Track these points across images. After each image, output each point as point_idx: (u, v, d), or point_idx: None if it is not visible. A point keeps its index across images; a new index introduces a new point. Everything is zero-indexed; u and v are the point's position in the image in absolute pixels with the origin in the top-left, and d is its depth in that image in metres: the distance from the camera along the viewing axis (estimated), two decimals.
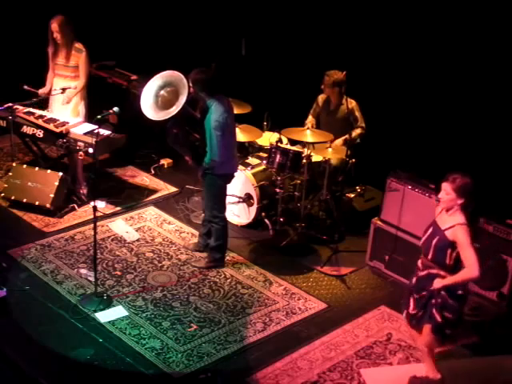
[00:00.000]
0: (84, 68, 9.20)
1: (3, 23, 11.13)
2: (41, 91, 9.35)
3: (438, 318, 6.16)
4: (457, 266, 6.07)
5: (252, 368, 6.80)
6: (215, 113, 7.57)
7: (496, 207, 7.71)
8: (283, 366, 6.83)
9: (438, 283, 6.10)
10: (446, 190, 6.03)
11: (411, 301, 6.37)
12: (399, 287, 8.00)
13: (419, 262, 6.32)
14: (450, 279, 6.06)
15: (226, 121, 7.63)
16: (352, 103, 8.80)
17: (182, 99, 7.63)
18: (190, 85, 7.66)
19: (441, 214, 6.19)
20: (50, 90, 9.34)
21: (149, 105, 7.81)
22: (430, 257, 6.15)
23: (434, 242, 6.10)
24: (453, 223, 6.01)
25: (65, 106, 9.27)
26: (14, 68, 10.87)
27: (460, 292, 6.13)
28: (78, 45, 9.13)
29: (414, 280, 6.37)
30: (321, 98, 9.07)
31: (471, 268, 5.92)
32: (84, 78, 9.23)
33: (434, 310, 6.17)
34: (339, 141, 8.80)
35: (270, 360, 6.89)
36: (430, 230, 6.21)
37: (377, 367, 6.90)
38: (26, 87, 9.20)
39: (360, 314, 7.63)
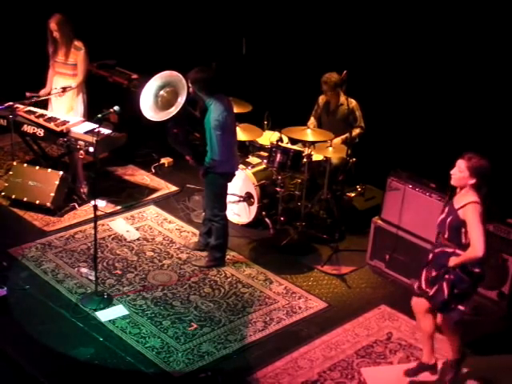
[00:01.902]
0: (82, 65, 9.19)
1: (4, 22, 11.11)
2: (42, 92, 9.36)
3: (445, 294, 6.14)
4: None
5: (252, 367, 6.80)
6: (215, 112, 7.56)
7: (496, 206, 7.70)
8: (283, 365, 6.83)
9: (451, 261, 6.07)
10: (460, 167, 6.00)
11: (423, 275, 6.34)
12: (400, 286, 8.03)
13: (435, 240, 6.32)
14: (459, 258, 6.04)
15: (226, 120, 7.62)
16: (352, 103, 8.80)
17: (182, 99, 7.63)
18: (189, 84, 7.66)
19: (459, 193, 6.15)
20: (51, 90, 9.33)
21: (148, 106, 7.82)
22: (446, 236, 6.13)
23: (448, 221, 6.08)
24: (465, 202, 5.98)
25: (60, 100, 9.25)
26: (14, 67, 10.86)
27: (477, 270, 6.09)
28: (77, 43, 9.13)
29: (430, 256, 6.35)
30: (321, 99, 9.09)
31: (475, 248, 5.89)
32: (82, 75, 9.22)
33: (444, 285, 6.14)
34: (338, 140, 8.80)
35: (271, 359, 6.89)
36: (446, 209, 6.18)
37: (377, 366, 6.90)
38: (28, 94, 9.20)
39: (360, 313, 7.62)
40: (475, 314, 7.56)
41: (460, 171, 6.02)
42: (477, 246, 5.89)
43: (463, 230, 6.02)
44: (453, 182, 6.13)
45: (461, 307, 6.22)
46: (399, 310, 7.64)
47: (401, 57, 9.18)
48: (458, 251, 6.09)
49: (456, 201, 6.12)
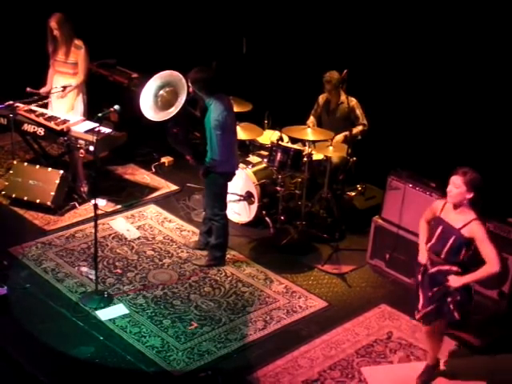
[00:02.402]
0: (83, 64, 9.19)
1: (4, 22, 11.11)
2: (42, 90, 9.36)
3: (457, 316, 6.16)
4: (470, 261, 6.03)
5: (252, 366, 6.80)
6: (215, 112, 7.56)
7: (496, 205, 7.70)
8: (284, 365, 6.83)
9: (456, 282, 6.04)
10: (456, 183, 5.94)
11: (421, 298, 6.33)
12: (400, 286, 8.03)
13: (426, 260, 6.27)
14: (470, 277, 6.02)
15: (226, 120, 7.62)
16: (352, 101, 8.80)
17: (182, 99, 7.63)
18: (189, 84, 7.65)
19: (444, 210, 6.12)
20: (52, 89, 9.33)
21: (148, 106, 7.82)
22: (443, 256, 6.09)
23: (451, 241, 6.01)
24: (467, 220, 5.95)
25: (61, 100, 9.25)
26: (14, 66, 10.85)
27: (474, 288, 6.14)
28: (77, 41, 9.12)
29: (419, 277, 6.34)
30: (321, 98, 9.09)
31: (492, 263, 5.88)
32: (82, 74, 9.22)
33: (451, 307, 6.14)
34: (339, 137, 8.81)
35: (271, 358, 6.89)
36: (440, 228, 6.12)
37: (378, 365, 6.90)
38: (28, 90, 9.19)
39: (361, 313, 7.63)
40: (475, 313, 7.57)
41: (456, 187, 5.95)
42: (493, 262, 5.89)
43: (464, 248, 6.00)
44: (450, 200, 6.05)
45: (456, 315, 6.25)
46: (399, 309, 7.64)
47: (401, 56, 9.17)
48: (454, 268, 6.08)
49: (453, 220, 6.06)
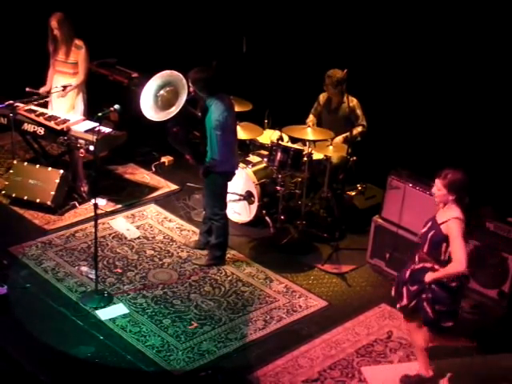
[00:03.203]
0: (83, 64, 9.19)
1: (5, 21, 11.10)
2: (42, 90, 9.36)
3: (430, 313, 6.17)
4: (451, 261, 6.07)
5: (253, 366, 6.80)
6: (215, 112, 7.55)
7: (497, 205, 7.71)
8: (284, 364, 6.83)
9: (428, 277, 6.12)
10: (437, 186, 6.08)
11: (404, 292, 6.35)
12: None
13: (416, 256, 6.33)
14: (438, 273, 6.08)
15: (227, 120, 7.61)
16: (353, 101, 8.80)
17: (182, 99, 7.62)
18: (190, 84, 7.65)
19: (441, 207, 6.20)
20: (51, 88, 9.33)
21: (149, 105, 7.80)
22: (425, 250, 6.18)
23: (430, 235, 6.12)
24: (448, 217, 6.03)
25: (61, 99, 9.25)
26: (14, 66, 10.84)
27: (454, 284, 6.11)
28: (77, 41, 9.13)
29: (407, 273, 6.35)
30: (322, 96, 9.07)
31: (457, 262, 5.94)
32: (83, 74, 9.22)
33: (424, 304, 6.18)
34: (339, 138, 8.80)
35: (271, 358, 6.89)
36: (429, 223, 6.22)
37: (378, 365, 6.90)
38: (28, 89, 9.19)
39: (361, 312, 7.63)
40: (475, 312, 7.57)
41: (438, 189, 6.09)
42: (459, 261, 5.94)
43: (444, 245, 6.05)
44: (436, 201, 6.19)
45: (449, 323, 6.25)
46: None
47: (401, 56, 9.17)
48: (436, 267, 6.11)
49: (439, 216, 6.16)
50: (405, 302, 6.35)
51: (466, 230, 6.04)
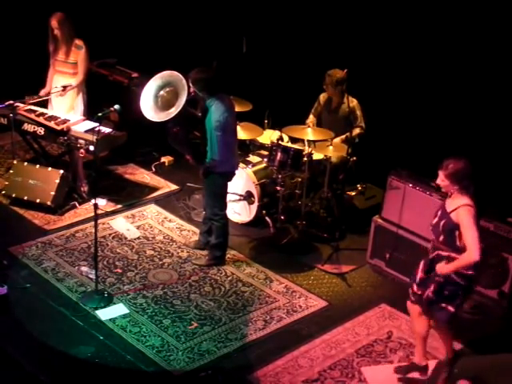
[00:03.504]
0: (83, 64, 9.18)
1: (5, 21, 11.10)
2: (42, 92, 9.35)
3: (431, 292, 6.21)
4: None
5: (253, 366, 6.80)
6: (216, 113, 7.55)
7: (497, 205, 7.71)
8: (284, 364, 6.83)
9: (440, 269, 6.12)
10: (441, 177, 6.11)
11: (417, 278, 6.38)
12: (400, 285, 7.98)
13: (430, 245, 6.36)
14: (451, 265, 6.07)
15: (227, 120, 7.61)
16: (353, 102, 8.79)
17: (182, 100, 7.61)
18: (190, 85, 7.64)
19: (450, 196, 6.22)
20: (51, 89, 9.31)
21: (149, 106, 7.80)
22: (441, 239, 6.16)
23: (442, 224, 6.12)
24: (457, 205, 6.04)
25: (60, 99, 9.25)
26: (14, 66, 10.84)
27: (470, 272, 6.11)
28: (78, 41, 9.12)
29: (423, 262, 6.38)
30: (322, 96, 9.07)
31: (471, 251, 5.94)
32: (82, 74, 9.21)
33: (432, 285, 6.21)
34: (338, 139, 8.78)
35: (271, 358, 6.89)
36: (439, 212, 6.23)
37: (377, 365, 6.89)
38: (30, 102, 9.16)
39: (361, 312, 7.63)
40: (476, 312, 7.57)
41: (442, 180, 6.13)
42: (472, 250, 5.94)
43: (457, 232, 6.06)
44: (443, 190, 6.27)
45: (450, 308, 6.24)
46: (399, 308, 7.60)
47: (401, 56, 9.17)
48: (453, 254, 6.11)
49: (448, 204, 6.17)
50: (415, 288, 6.38)
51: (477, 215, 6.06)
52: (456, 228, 6.04)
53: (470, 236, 5.96)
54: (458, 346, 6.98)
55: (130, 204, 9.33)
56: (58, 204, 8.96)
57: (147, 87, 7.83)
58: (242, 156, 8.86)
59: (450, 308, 6.23)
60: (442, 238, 6.17)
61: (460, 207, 6.02)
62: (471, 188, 6.10)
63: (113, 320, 7.26)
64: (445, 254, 6.15)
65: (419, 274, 6.38)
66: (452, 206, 6.09)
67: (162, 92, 7.84)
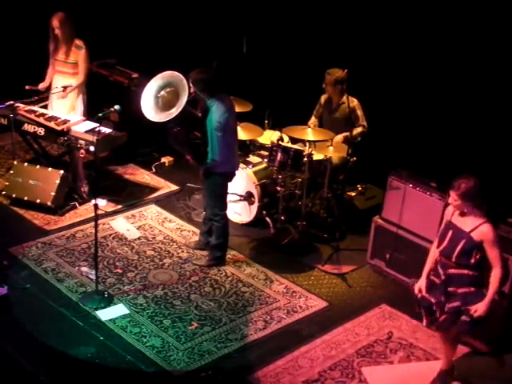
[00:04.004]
0: (83, 65, 9.19)
1: (4, 21, 11.11)
2: (41, 86, 9.34)
3: (454, 309, 6.20)
4: (480, 263, 6.09)
5: (253, 366, 6.80)
6: (216, 113, 7.55)
7: (497, 206, 7.69)
8: (284, 365, 6.82)
9: (482, 309, 6.08)
10: (453, 197, 6.07)
11: (435, 306, 6.34)
12: (400, 285, 8.02)
13: (438, 265, 6.29)
14: (488, 299, 6.07)
15: (227, 121, 7.61)
16: (353, 102, 8.78)
17: (183, 100, 7.60)
18: (190, 85, 7.64)
19: (455, 214, 6.18)
20: (50, 85, 9.34)
21: (149, 106, 7.79)
22: (453, 260, 6.12)
23: (461, 244, 6.06)
24: (477, 223, 6.03)
25: (61, 100, 9.26)
26: (14, 66, 10.83)
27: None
28: (78, 41, 9.12)
29: (424, 284, 6.36)
30: (323, 97, 9.07)
31: (497, 269, 6.01)
32: (83, 75, 9.22)
33: (463, 318, 6.18)
34: (339, 137, 8.78)
35: (271, 358, 6.88)
36: (450, 233, 6.18)
37: (378, 366, 6.89)
38: (27, 87, 9.18)
39: (361, 313, 7.62)
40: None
41: (454, 200, 6.08)
42: (498, 267, 6.01)
43: (474, 252, 6.04)
44: (456, 209, 6.19)
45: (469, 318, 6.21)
46: (400, 309, 7.64)
47: (402, 56, 9.17)
48: (465, 271, 6.10)
49: (461, 223, 6.13)
50: (442, 318, 6.32)
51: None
52: (476, 247, 6.02)
53: (495, 253, 6.00)
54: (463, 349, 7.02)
55: (130, 204, 9.33)
56: (58, 204, 8.95)
57: (148, 87, 7.82)
58: (242, 156, 8.86)
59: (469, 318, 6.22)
60: (455, 258, 6.11)
61: (481, 225, 6.01)
62: (484, 205, 6.09)
63: (113, 320, 7.25)
64: (458, 272, 6.13)
65: (433, 300, 6.33)
66: (470, 226, 6.05)
67: (162, 92, 7.83)
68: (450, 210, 6.26)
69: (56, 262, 8.08)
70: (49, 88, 9.36)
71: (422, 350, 7.10)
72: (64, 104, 9.27)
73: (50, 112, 9.21)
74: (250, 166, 8.87)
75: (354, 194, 9.28)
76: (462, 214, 6.12)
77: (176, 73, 7.76)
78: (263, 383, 6.61)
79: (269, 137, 9.05)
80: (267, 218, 8.89)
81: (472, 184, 6.01)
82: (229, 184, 8.05)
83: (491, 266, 6.06)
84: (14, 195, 9.01)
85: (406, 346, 7.17)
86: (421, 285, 6.40)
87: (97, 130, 7.63)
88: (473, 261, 6.06)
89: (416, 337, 7.27)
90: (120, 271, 8.02)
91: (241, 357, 6.93)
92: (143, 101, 7.78)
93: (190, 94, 7.67)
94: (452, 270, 6.17)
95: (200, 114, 7.77)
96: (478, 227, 6.03)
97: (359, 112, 8.87)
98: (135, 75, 10.43)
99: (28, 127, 9.04)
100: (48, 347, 6.82)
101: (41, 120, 8.95)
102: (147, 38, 11.28)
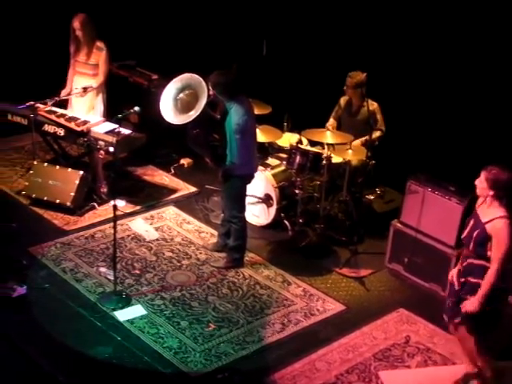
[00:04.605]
0: (104, 66, 9.23)
1: (26, 21, 11.17)
2: (63, 93, 9.37)
3: (456, 286, 6.20)
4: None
5: (270, 368, 6.79)
6: (235, 116, 7.54)
7: None
8: (301, 367, 6.81)
9: (470, 306, 6.06)
10: (481, 178, 6.04)
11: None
12: (418, 290, 8.01)
13: (462, 253, 6.30)
14: (480, 293, 6.01)
15: (247, 123, 7.60)
16: (374, 105, 8.78)
17: (202, 103, 7.61)
18: (210, 87, 7.64)
19: (482, 205, 6.14)
20: (71, 90, 9.36)
21: (168, 108, 7.80)
22: (471, 248, 6.10)
23: (475, 234, 6.05)
24: (493, 216, 5.98)
25: (80, 100, 9.30)
26: (35, 66, 10.87)
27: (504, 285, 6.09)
28: (99, 43, 9.17)
29: (456, 271, 6.34)
30: (343, 99, 9.05)
31: (492, 271, 5.93)
32: (103, 76, 9.26)
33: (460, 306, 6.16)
34: (357, 142, 8.77)
35: (288, 361, 6.87)
36: (472, 221, 6.16)
37: (395, 370, 6.86)
38: (51, 104, 9.17)
39: (378, 316, 7.59)
40: None
41: (480, 182, 6.05)
42: (494, 268, 5.94)
43: (489, 244, 5.99)
44: (477, 192, 6.15)
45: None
46: (417, 313, 7.61)
47: (423, 59, 9.15)
48: (486, 264, 6.04)
49: (482, 214, 6.09)
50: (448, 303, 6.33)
51: None
52: (489, 239, 5.98)
53: (500, 252, 5.92)
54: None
55: (148, 205, 9.34)
56: (77, 205, 8.98)
57: (166, 90, 7.83)
58: (260, 159, 8.85)
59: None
60: (472, 247, 6.09)
61: (496, 219, 5.95)
62: (505, 200, 6.01)
63: (131, 321, 7.26)
64: (477, 262, 6.08)
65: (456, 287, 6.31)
66: (487, 217, 6.01)
67: (181, 95, 7.84)
68: (479, 200, 6.21)
69: (75, 262, 8.10)
70: (70, 93, 9.37)
71: (440, 354, 7.06)
72: (83, 104, 9.31)
73: (69, 112, 9.24)
74: (269, 169, 8.86)
75: (372, 197, 9.27)
76: (488, 205, 6.05)
77: (195, 75, 7.77)
78: None
79: (288, 139, 9.05)
80: (285, 221, 8.88)
81: (504, 175, 5.96)
82: (247, 186, 8.04)
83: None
84: (33, 195, 9.04)
85: (424, 350, 7.13)
86: (453, 271, 6.39)
87: (116, 131, 7.66)
88: (489, 253, 6.01)
89: (434, 341, 7.23)
90: (138, 272, 8.03)
91: (258, 359, 6.92)
92: (162, 103, 7.80)
93: (208, 96, 7.67)
94: (470, 260, 6.15)
95: (219, 116, 7.79)
96: (493, 220, 5.96)
97: (379, 116, 8.85)
98: (155, 77, 10.45)
99: (48, 128, 9.07)
100: (66, 347, 6.82)
101: (61, 121, 8.98)
102: (167, 39, 11.29)
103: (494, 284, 5.98)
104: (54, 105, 9.20)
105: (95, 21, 9.17)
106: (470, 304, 6.07)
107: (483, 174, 6.02)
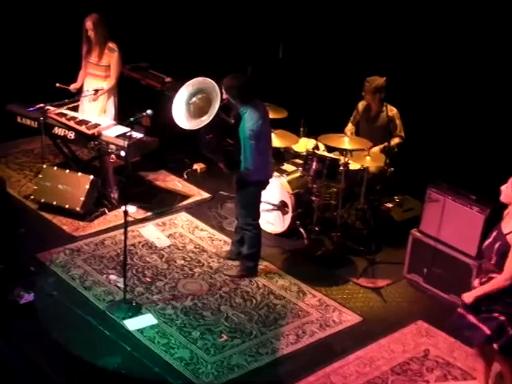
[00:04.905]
0: (115, 68, 9.16)
1: (36, 22, 11.15)
2: (72, 86, 9.32)
3: (487, 331, 5.97)
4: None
5: (284, 381, 6.69)
6: (249, 121, 7.42)
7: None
8: (316, 381, 6.67)
9: (467, 297, 5.99)
10: (508, 184, 5.92)
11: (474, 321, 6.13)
12: (438, 301, 7.87)
13: (482, 267, 6.19)
14: (481, 289, 5.94)
15: (261, 128, 7.48)
16: (393, 111, 8.70)
17: (215, 107, 7.54)
18: (223, 91, 7.52)
19: (506, 216, 5.99)
20: (82, 86, 9.32)
21: (181, 113, 7.72)
22: (493, 261, 5.93)
23: (496, 246, 5.89)
24: None
25: (92, 103, 9.23)
26: (45, 68, 10.84)
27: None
28: (111, 44, 9.10)
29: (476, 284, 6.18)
30: (361, 104, 8.96)
31: (506, 276, 5.79)
32: (114, 78, 9.20)
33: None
34: (376, 148, 8.67)
35: (303, 374, 6.74)
36: (494, 233, 6.00)
37: None
38: (58, 85, 9.13)
39: (396, 329, 7.45)
40: None
41: (507, 187, 5.92)
42: (508, 277, 5.79)
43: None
44: (502, 198, 6.00)
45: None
46: (437, 326, 7.44)
47: (443, 64, 9.07)
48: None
49: (504, 225, 5.94)
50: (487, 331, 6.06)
51: None
52: (509, 251, 5.81)
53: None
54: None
55: (160, 211, 9.25)
56: (87, 210, 8.89)
57: (179, 95, 7.75)
58: (276, 164, 8.75)
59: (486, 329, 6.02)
60: (494, 260, 5.92)
61: None
62: None
63: (140, 330, 7.16)
64: (495, 276, 5.92)
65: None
66: (509, 228, 5.86)
67: (194, 99, 7.77)
68: (505, 211, 6.07)
69: (84, 269, 8.01)
70: (80, 90, 9.34)
71: (460, 369, 6.91)
72: (95, 106, 9.25)
73: (80, 115, 9.17)
74: (285, 175, 8.75)
75: (391, 205, 9.15)
76: (511, 216, 5.92)
77: (208, 79, 7.69)
78: None
79: (304, 145, 8.95)
80: (301, 229, 8.75)
81: None
82: (262, 193, 7.90)
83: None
84: (42, 200, 8.95)
85: (443, 364, 6.98)
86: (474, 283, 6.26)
87: (128, 134, 7.58)
88: None
89: (453, 355, 7.08)
90: (149, 280, 7.92)
91: (271, 371, 6.81)
92: (174, 108, 7.73)
93: (222, 100, 7.56)
94: (491, 275, 5.98)
95: (233, 121, 7.71)
96: None
97: (398, 122, 8.77)
98: (168, 79, 10.41)
99: (58, 131, 9.00)
100: (74, 356, 6.72)
101: (71, 123, 8.91)
102: (181, 41, 11.29)
103: (499, 289, 5.84)
104: (64, 106, 9.09)
105: (108, 21, 9.13)
106: (467, 296, 6.00)
107: (511, 180, 5.89)
